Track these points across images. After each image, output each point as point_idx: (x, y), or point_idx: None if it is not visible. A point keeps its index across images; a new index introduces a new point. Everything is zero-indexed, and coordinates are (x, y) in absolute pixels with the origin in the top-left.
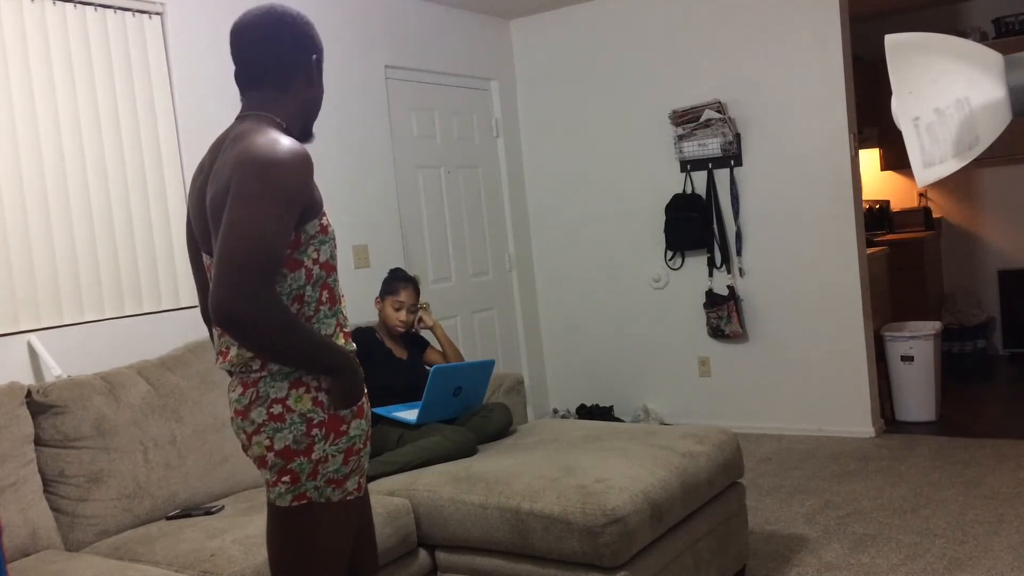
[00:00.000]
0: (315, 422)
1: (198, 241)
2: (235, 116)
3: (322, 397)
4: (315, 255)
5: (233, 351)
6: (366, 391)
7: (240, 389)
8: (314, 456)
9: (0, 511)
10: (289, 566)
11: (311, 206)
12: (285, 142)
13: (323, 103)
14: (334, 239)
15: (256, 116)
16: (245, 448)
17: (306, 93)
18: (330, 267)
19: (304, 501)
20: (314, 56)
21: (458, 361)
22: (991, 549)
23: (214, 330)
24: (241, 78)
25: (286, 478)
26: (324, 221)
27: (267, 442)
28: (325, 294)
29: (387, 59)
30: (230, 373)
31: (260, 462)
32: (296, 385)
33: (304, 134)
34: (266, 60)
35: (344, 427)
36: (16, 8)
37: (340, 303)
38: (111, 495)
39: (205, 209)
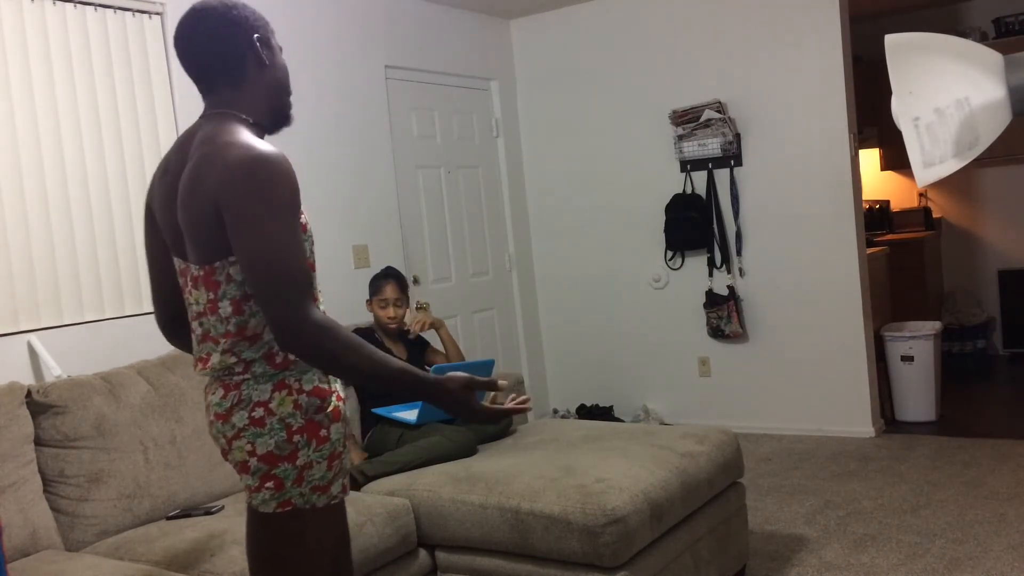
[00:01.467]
0: (294, 428)
1: (169, 245)
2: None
3: (302, 400)
4: None
5: (215, 357)
6: (340, 393)
7: (221, 392)
8: (299, 462)
9: (0, 511)
10: (272, 573)
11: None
12: (266, 149)
13: (323, 103)
14: (312, 236)
15: (220, 115)
16: (224, 453)
17: (262, 77)
18: (311, 265)
19: (289, 508)
20: (255, 35)
21: (459, 361)
22: (991, 549)
23: (193, 336)
24: (197, 85)
25: (269, 484)
26: (303, 219)
27: (248, 447)
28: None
29: (387, 59)
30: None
31: (242, 467)
32: (280, 387)
33: (281, 117)
34: (205, 63)
35: (324, 432)
36: (16, 8)
37: (317, 301)
38: (111, 495)
39: (176, 214)
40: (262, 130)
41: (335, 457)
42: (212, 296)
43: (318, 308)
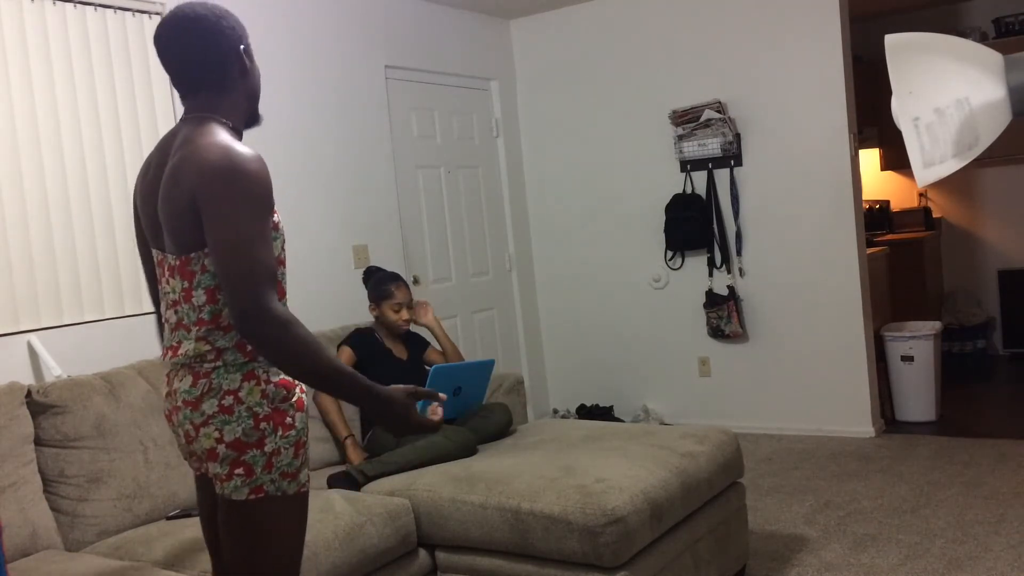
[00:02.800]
0: (261, 416)
1: (148, 237)
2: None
3: (269, 390)
4: None
5: (187, 345)
6: (304, 387)
7: (190, 379)
8: (267, 448)
9: (0, 511)
10: (248, 559)
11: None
12: (243, 150)
13: (323, 103)
14: (283, 235)
15: (200, 118)
16: (190, 440)
17: (244, 85)
18: (279, 262)
19: (262, 494)
20: (241, 47)
21: (457, 360)
22: (991, 549)
23: (166, 324)
24: (177, 86)
25: (239, 470)
26: (276, 218)
27: (216, 434)
28: None
29: (387, 59)
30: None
31: (210, 455)
32: (248, 377)
33: (252, 119)
34: (191, 69)
35: (289, 419)
36: (16, 8)
37: (283, 296)
38: (111, 495)
39: (156, 208)
40: (238, 132)
41: (300, 445)
42: (187, 285)
43: (281, 302)
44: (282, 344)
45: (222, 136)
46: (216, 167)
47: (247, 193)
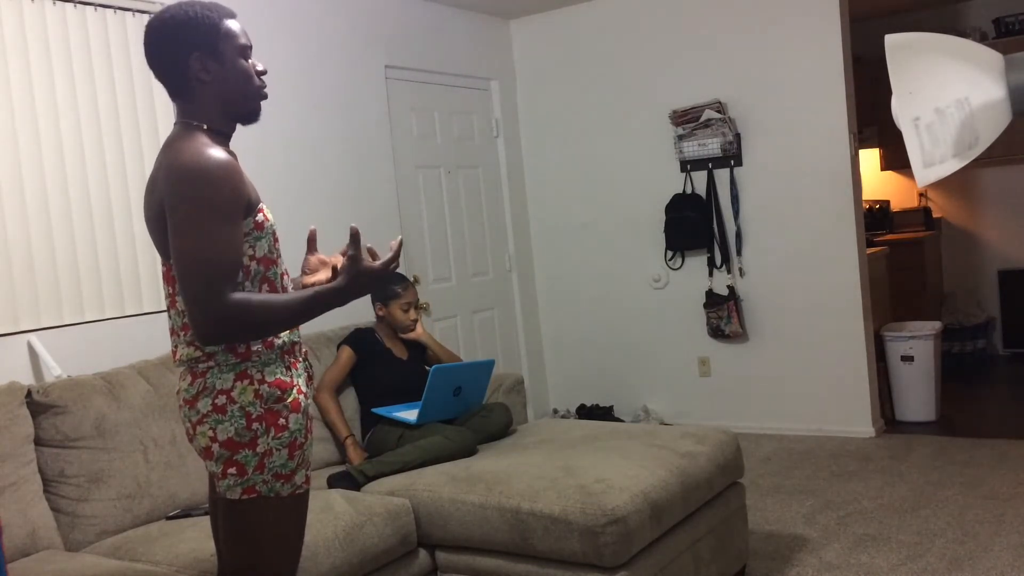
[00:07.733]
0: (253, 416)
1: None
2: None
3: (263, 390)
4: (251, 251)
5: (181, 350)
6: (303, 389)
7: (189, 379)
8: (259, 449)
9: (0, 511)
10: (243, 558)
11: (247, 206)
12: (205, 154)
13: (323, 103)
14: (272, 234)
15: (181, 124)
16: (190, 438)
17: (210, 90)
18: (269, 261)
19: (254, 495)
20: (194, 54)
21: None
22: (991, 549)
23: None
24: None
25: (232, 470)
26: (259, 218)
27: (211, 433)
28: (265, 287)
29: (387, 59)
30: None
31: (206, 453)
32: (241, 377)
33: (242, 117)
34: (160, 77)
35: (282, 421)
36: (16, 8)
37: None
38: (111, 495)
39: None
40: (219, 135)
41: (296, 447)
42: (171, 291)
43: (240, 302)
44: (247, 333)
45: (193, 142)
46: (179, 173)
47: (205, 199)
